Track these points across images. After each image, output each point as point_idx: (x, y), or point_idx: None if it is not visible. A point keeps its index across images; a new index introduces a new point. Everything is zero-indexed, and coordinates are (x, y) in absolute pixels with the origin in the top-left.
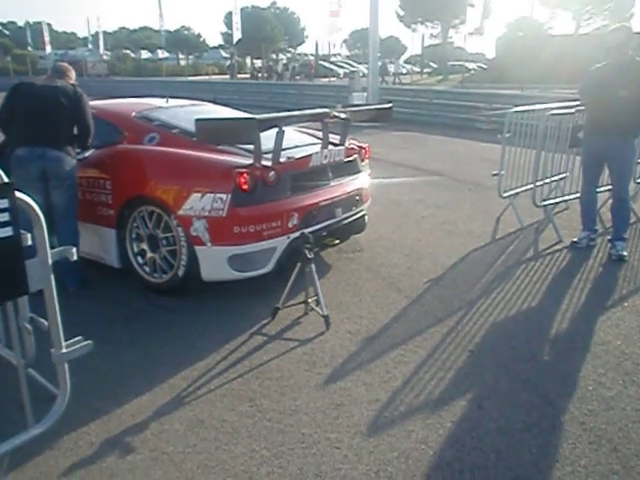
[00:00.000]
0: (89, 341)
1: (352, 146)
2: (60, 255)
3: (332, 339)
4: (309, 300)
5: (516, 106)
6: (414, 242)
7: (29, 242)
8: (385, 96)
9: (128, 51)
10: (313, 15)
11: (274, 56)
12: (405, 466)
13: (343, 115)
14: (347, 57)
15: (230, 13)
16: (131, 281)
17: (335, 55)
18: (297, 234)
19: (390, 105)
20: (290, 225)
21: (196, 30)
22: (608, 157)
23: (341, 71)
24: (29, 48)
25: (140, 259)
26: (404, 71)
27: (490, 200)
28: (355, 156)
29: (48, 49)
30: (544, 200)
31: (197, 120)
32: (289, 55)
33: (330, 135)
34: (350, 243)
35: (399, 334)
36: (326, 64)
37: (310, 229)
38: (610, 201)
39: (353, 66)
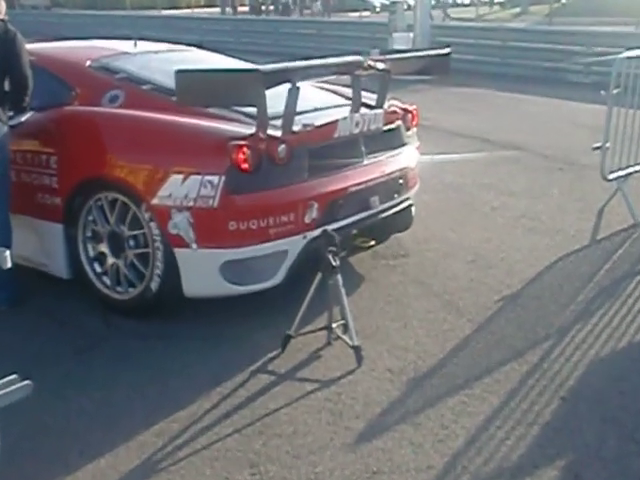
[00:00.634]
0: (27, 381)
1: (394, 109)
2: None
3: (366, 380)
4: (333, 325)
5: (629, 49)
6: (480, 244)
7: None
8: (440, 37)
9: None
10: None
11: None
12: None
13: (381, 65)
14: None
15: None
16: (85, 297)
17: None
18: (317, 232)
19: (447, 51)
20: (307, 220)
21: None
22: None
23: (377, 2)
24: None
25: (98, 267)
26: (466, 1)
27: (589, 184)
28: (398, 123)
29: None
30: None
31: (177, 72)
32: None
33: (363, 94)
34: (391, 245)
35: (460, 374)
36: None
37: (335, 225)
38: None
39: None
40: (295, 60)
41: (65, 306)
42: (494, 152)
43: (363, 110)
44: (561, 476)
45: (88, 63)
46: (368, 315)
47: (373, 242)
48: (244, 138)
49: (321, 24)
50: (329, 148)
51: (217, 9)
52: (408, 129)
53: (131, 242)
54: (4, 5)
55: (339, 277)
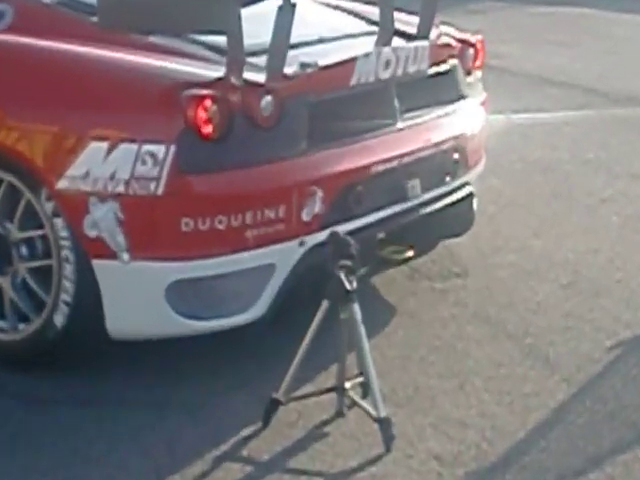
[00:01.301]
0: None
1: (446, 41)
2: None
3: (399, 474)
4: (347, 385)
5: None
6: (582, 257)
7: None
8: None
9: None
10: None
11: None
12: None
13: None
14: None
15: None
16: None
17: None
18: (322, 237)
19: None
20: (306, 217)
21: None
22: None
23: None
24: None
25: None
26: None
27: None
28: (453, 63)
29: None
30: None
31: None
32: None
33: (397, 15)
34: (439, 258)
35: (550, 465)
36: None
37: (351, 226)
38: None
39: None
40: None
41: None
42: (604, 110)
43: (397, 42)
44: None
45: None
46: (402, 369)
47: (411, 253)
48: (206, 85)
49: None
50: (342, 103)
51: None
52: (469, 73)
53: (22, 250)
54: None
55: (356, 308)
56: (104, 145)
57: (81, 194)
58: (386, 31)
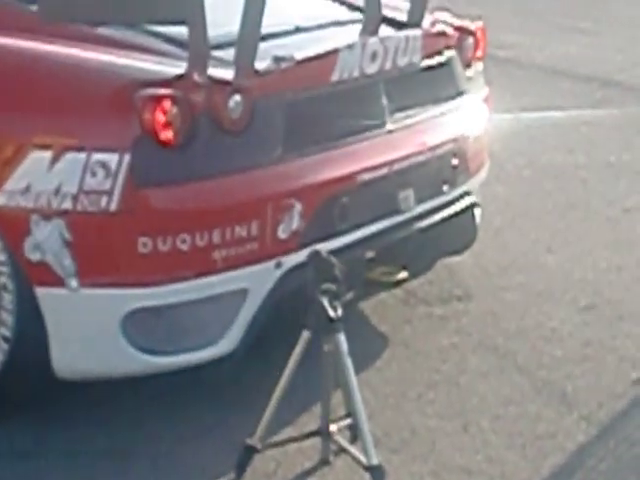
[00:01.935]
0: None
1: (442, 29)
2: None
3: None
4: (333, 428)
5: None
6: (603, 276)
7: None
8: None
9: None
10: None
11: None
12: None
13: None
14: None
15: None
16: None
17: None
18: (301, 257)
19: None
20: (283, 234)
21: None
22: None
23: None
24: None
25: None
26: None
27: None
28: (450, 54)
29: None
30: None
31: None
32: None
33: (386, 1)
34: (438, 279)
35: None
36: None
37: (335, 244)
38: None
39: None
40: None
41: None
42: (627, 106)
43: (384, 31)
44: None
45: None
46: (396, 408)
47: (404, 274)
48: (165, 83)
49: None
50: (323, 102)
51: None
52: (468, 65)
53: None
54: None
55: (342, 338)
56: (47, 154)
57: (21, 211)
58: (372, 19)
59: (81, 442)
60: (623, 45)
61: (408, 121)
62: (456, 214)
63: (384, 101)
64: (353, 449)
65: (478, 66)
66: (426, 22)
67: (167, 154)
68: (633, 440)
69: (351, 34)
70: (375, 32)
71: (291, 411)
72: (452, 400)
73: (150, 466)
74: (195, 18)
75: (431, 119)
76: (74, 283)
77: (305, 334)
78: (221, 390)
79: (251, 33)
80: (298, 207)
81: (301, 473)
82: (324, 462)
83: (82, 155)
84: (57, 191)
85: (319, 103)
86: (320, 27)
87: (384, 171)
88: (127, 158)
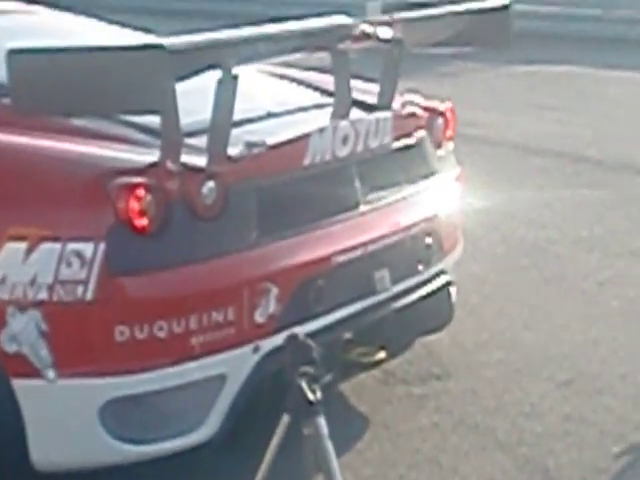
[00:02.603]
0: None
1: (412, 110)
2: None
3: None
4: None
5: None
6: (580, 350)
7: None
8: None
9: None
10: None
11: None
12: None
13: (386, 31)
14: None
15: None
16: None
17: None
18: (279, 340)
19: (506, 2)
20: (260, 318)
21: None
22: None
23: None
24: None
25: None
26: None
27: None
28: (420, 135)
29: None
30: None
31: (13, 53)
32: None
33: (355, 84)
34: (417, 358)
35: None
36: None
37: (313, 326)
38: None
39: None
40: (233, 27)
41: None
42: (598, 180)
43: (355, 114)
44: None
45: None
46: None
47: (383, 354)
48: (138, 172)
49: None
50: (295, 186)
51: None
52: (439, 145)
53: None
54: None
55: (322, 422)
56: (22, 245)
57: None
58: (342, 102)
59: None
60: (591, 121)
61: (381, 202)
62: (432, 293)
63: (357, 183)
64: None
65: (449, 146)
66: (396, 104)
67: (142, 242)
68: None
69: (322, 118)
70: (346, 115)
71: None
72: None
73: None
74: (167, 107)
75: (404, 199)
76: (51, 374)
77: (284, 418)
78: (201, 477)
79: (223, 120)
80: (274, 291)
81: None
82: None
83: (57, 245)
84: (33, 282)
85: (292, 187)
86: (291, 112)
87: (359, 252)
88: (102, 247)
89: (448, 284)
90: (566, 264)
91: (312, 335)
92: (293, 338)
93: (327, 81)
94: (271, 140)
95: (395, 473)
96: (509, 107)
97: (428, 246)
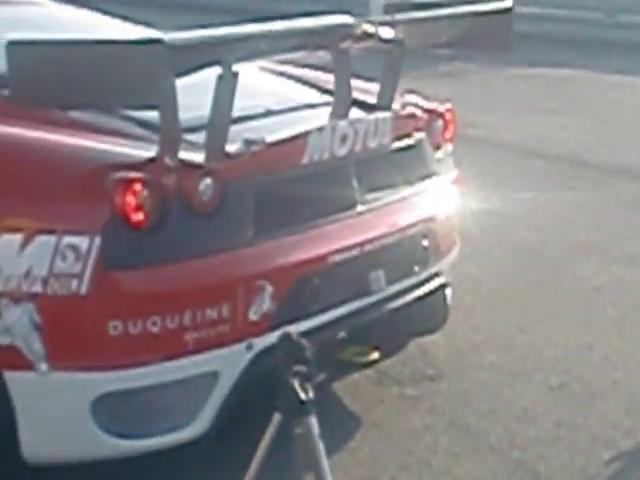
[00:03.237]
0: None
1: (412, 111)
2: None
3: None
4: None
5: None
6: (574, 354)
7: None
8: None
9: None
10: None
11: None
12: None
13: (388, 31)
14: None
15: None
16: None
17: None
18: (273, 339)
19: (509, 4)
20: (254, 316)
21: None
22: None
23: None
24: None
25: None
26: None
27: None
28: (419, 136)
29: None
30: None
31: (12, 45)
32: None
33: (355, 83)
34: (410, 359)
35: None
36: None
37: (307, 325)
38: None
39: None
40: (235, 23)
41: None
42: (596, 185)
43: (354, 113)
44: None
45: None
46: None
47: (376, 354)
48: (136, 166)
49: None
50: (293, 184)
51: None
52: (438, 147)
53: None
54: None
55: (313, 421)
56: (17, 237)
57: None
58: (342, 101)
59: None
60: (590, 124)
61: (378, 203)
62: (427, 294)
63: (354, 183)
64: None
65: (447, 147)
66: (396, 104)
67: (138, 237)
68: None
69: (321, 117)
70: (345, 115)
71: None
72: None
73: None
74: (167, 102)
75: (401, 200)
76: (44, 367)
77: (276, 417)
78: (191, 473)
79: (222, 116)
80: (269, 289)
81: None
82: None
83: (52, 238)
84: (27, 274)
85: (290, 185)
86: (290, 110)
87: (355, 252)
88: (97, 241)
89: (444, 286)
90: (562, 268)
91: (306, 334)
92: (287, 337)
93: (327, 79)
94: (270, 138)
95: (386, 474)
96: (509, 109)
97: (424, 248)
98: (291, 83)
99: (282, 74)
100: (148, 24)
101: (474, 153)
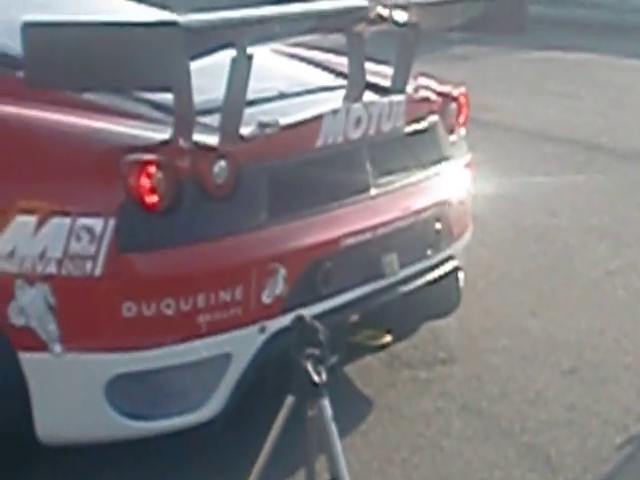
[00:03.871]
0: None
1: (425, 94)
2: None
3: None
4: None
5: None
6: (587, 339)
7: None
8: None
9: None
10: None
11: None
12: None
13: (402, 15)
14: None
15: None
16: None
17: None
18: (286, 321)
19: None
20: (267, 299)
21: None
22: None
23: None
24: None
25: None
26: None
27: None
28: (433, 120)
29: None
30: None
31: (28, 26)
32: None
33: (369, 67)
34: (422, 343)
35: None
36: None
37: (320, 308)
38: None
39: None
40: (246, 5)
41: None
42: (609, 169)
43: (368, 96)
44: None
45: None
46: (381, 473)
47: (389, 338)
48: (150, 149)
49: None
50: (307, 167)
51: None
52: (452, 131)
53: None
54: None
55: (326, 403)
56: (32, 219)
57: (5, 276)
58: (356, 84)
59: None
60: (604, 109)
61: (392, 186)
62: (440, 278)
63: (368, 166)
64: None
65: (461, 131)
66: (410, 88)
67: (152, 219)
68: None
69: (335, 100)
70: (359, 98)
71: (276, 476)
72: (437, 465)
73: None
74: (181, 84)
75: (415, 184)
76: (58, 348)
77: (289, 399)
78: (204, 455)
79: (236, 99)
80: (282, 272)
81: None
82: None
83: (67, 220)
84: (42, 256)
85: (303, 168)
86: (304, 93)
87: (368, 236)
88: (112, 223)
89: (456, 270)
90: (575, 252)
91: (319, 317)
92: (300, 319)
93: (341, 62)
94: (284, 120)
95: (398, 456)
96: (523, 92)
97: (437, 231)
98: (304, 66)
99: (293, 56)
100: (163, 6)
101: (488, 136)
